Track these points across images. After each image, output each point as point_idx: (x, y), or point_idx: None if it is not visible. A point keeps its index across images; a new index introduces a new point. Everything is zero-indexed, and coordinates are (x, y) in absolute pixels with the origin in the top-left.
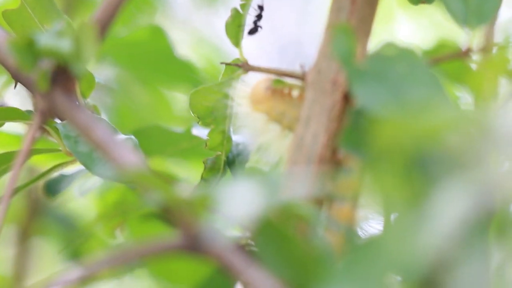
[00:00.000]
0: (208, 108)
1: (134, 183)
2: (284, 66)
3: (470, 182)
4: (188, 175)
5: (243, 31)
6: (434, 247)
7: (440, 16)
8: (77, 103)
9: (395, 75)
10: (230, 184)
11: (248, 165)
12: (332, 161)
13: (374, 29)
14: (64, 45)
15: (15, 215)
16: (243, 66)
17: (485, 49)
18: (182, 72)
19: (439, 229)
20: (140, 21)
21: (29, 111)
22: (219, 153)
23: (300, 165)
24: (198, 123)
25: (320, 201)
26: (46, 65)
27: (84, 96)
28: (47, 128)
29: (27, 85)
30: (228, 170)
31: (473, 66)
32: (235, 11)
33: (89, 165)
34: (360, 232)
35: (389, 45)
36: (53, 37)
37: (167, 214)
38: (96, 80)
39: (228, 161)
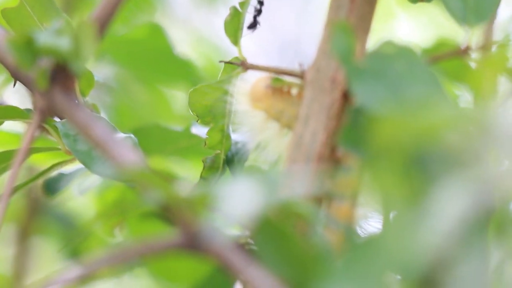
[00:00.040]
0: (207, 107)
1: (133, 181)
2: (283, 65)
3: (469, 181)
4: (187, 173)
5: (242, 29)
6: (433, 246)
7: (439, 15)
8: (76, 101)
9: (394, 73)
10: (229, 183)
11: (247, 163)
12: (331, 159)
13: (373, 27)
14: (63, 44)
15: (14, 214)
16: (242, 65)
17: (484, 47)
18: (182, 71)
19: (438, 228)
20: (139, 20)
21: (28, 110)
22: (218, 151)
23: (299, 164)
24: (197, 121)
25: (319, 200)
26: (45, 63)
27: (83, 95)
28: (46, 126)
29: (26, 84)
30: (227, 169)
31: (472, 64)
32: (234, 9)
33: (88, 164)
34: (359, 231)
35: (388, 43)
36: (52, 36)
37: (167, 213)
38: (95, 78)
39: (227, 160)
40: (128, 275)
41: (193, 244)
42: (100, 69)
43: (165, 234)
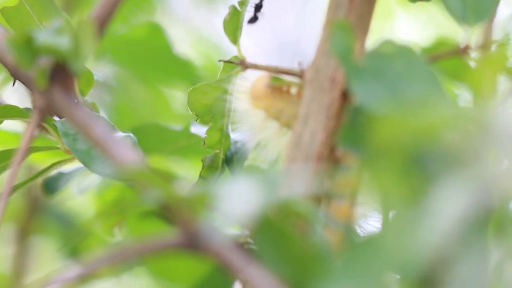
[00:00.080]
0: (206, 106)
1: (132, 181)
2: (282, 64)
3: (469, 180)
4: (186, 173)
5: (241, 28)
6: (433, 245)
7: (439, 14)
8: (75, 100)
9: (393, 72)
10: (229, 182)
11: (246, 162)
12: (330, 158)
13: (372, 27)
14: (63, 43)
15: (14, 213)
16: (241, 64)
17: (484, 46)
18: (181, 70)
19: (437, 227)
20: (139, 19)
21: (27, 109)
22: (217, 151)
23: (298, 163)
24: (196, 120)
25: (319, 199)
26: (45, 62)
27: (83, 94)
28: (46, 125)
29: (26, 83)
30: (226, 168)
31: (472, 63)
32: (233, 8)
33: (88, 163)
34: (358, 230)
35: (388, 43)
36: (51, 35)
37: (166, 212)
38: (95, 77)
39: (227, 159)
40: (127, 274)
41: (193, 243)
42: (99, 68)
43: (165, 233)
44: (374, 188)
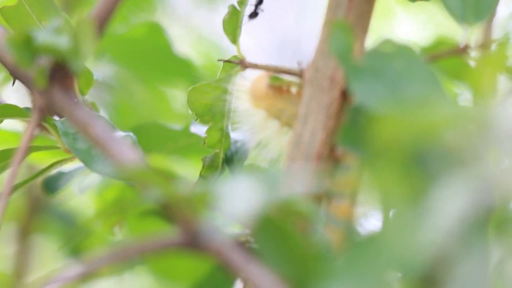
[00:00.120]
0: (206, 106)
1: (133, 180)
2: (281, 63)
3: (469, 179)
4: (186, 172)
5: (240, 28)
6: (434, 244)
7: (438, 13)
8: (75, 100)
9: (393, 72)
10: (229, 181)
11: (247, 162)
12: (330, 158)
13: (372, 26)
14: (62, 42)
15: (14, 212)
16: (241, 63)
17: (483, 45)
18: (181, 69)
19: (438, 226)
20: (139, 18)
21: (27, 108)
22: (218, 150)
23: (298, 162)
24: (196, 120)
25: (319, 198)
26: (44, 62)
27: (83, 93)
28: (46, 125)
29: (25, 82)
30: (227, 168)
31: (471, 62)
32: (233, 8)
33: (88, 162)
34: (359, 229)
35: (387, 42)
36: (51, 34)
37: (166, 211)
38: (95, 77)
39: (227, 159)
40: (128, 273)
41: (193, 242)
42: (99, 68)
43: (165, 232)
44: (374, 187)
